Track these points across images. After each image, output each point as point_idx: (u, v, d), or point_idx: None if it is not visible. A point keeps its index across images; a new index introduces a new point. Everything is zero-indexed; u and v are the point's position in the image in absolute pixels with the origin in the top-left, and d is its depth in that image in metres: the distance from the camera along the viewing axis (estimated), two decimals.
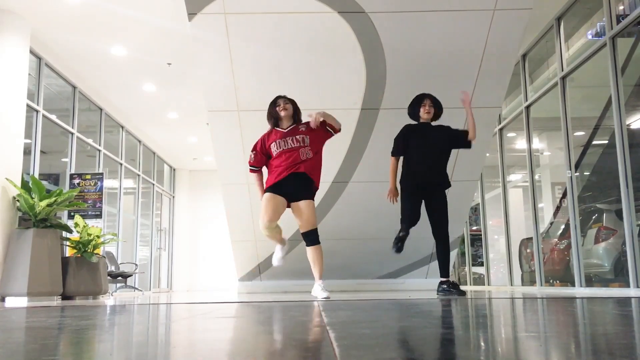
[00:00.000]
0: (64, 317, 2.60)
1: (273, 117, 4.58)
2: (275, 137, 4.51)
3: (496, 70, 5.64)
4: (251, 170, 4.70)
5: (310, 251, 4.43)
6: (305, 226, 4.41)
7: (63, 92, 8.52)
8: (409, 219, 4.62)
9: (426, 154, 4.69)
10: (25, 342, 1.54)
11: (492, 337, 1.56)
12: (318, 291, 4.32)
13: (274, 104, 4.58)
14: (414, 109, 4.81)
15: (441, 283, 4.65)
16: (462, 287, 4.94)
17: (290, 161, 4.41)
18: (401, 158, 4.81)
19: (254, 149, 4.61)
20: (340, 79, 5.79)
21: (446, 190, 4.81)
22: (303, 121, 4.60)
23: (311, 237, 4.41)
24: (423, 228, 4.78)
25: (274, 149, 4.48)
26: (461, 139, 4.77)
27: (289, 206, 4.51)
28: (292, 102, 4.63)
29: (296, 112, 4.61)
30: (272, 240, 4.77)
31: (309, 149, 4.44)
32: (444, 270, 4.65)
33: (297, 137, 4.46)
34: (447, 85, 5.79)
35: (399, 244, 4.64)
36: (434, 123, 4.82)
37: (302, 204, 4.41)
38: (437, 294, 4.60)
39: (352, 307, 2.96)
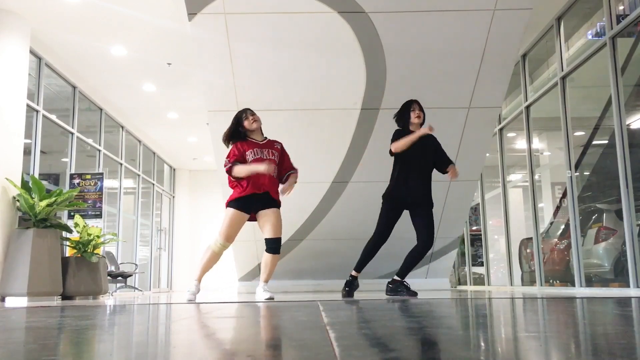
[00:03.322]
0: (64, 317, 2.60)
1: (243, 129, 4.49)
2: (250, 147, 4.47)
3: (496, 70, 5.64)
4: (229, 172, 4.46)
5: (268, 257, 4.52)
6: (275, 232, 4.45)
7: (63, 92, 8.52)
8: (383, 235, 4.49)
9: (422, 166, 4.50)
10: (25, 342, 1.54)
11: (492, 337, 1.56)
12: (261, 292, 4.49)
13: (243, 117, 4.50)
14: (403, 116, 4.55)
15: (394, 282, 4.46)
16: (462, 287, 4.93)
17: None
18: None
19: (231, 156, 4.45)
20: (340, 79, 5.79)
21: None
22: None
23: (276, 246, 4.47)
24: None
25: (250, 156, 4.44)
26: (441, 164, 4.57)
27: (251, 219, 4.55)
28: None
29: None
30: (207, 267, 4.77)
31: (275, 167, 4.47)
32: (404, 271, 4.46)
33: (272, 151, 4.51)
34: (447, 86, 5.79)
35: (348, 288, 4.54)
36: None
37: (271, 211, 4.45)
38: (387, 294, 4.47)
39: (352, 307, 2.96)
